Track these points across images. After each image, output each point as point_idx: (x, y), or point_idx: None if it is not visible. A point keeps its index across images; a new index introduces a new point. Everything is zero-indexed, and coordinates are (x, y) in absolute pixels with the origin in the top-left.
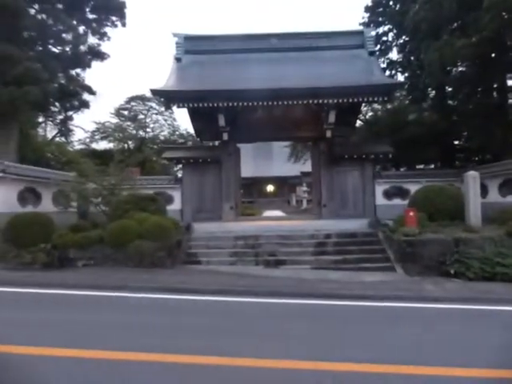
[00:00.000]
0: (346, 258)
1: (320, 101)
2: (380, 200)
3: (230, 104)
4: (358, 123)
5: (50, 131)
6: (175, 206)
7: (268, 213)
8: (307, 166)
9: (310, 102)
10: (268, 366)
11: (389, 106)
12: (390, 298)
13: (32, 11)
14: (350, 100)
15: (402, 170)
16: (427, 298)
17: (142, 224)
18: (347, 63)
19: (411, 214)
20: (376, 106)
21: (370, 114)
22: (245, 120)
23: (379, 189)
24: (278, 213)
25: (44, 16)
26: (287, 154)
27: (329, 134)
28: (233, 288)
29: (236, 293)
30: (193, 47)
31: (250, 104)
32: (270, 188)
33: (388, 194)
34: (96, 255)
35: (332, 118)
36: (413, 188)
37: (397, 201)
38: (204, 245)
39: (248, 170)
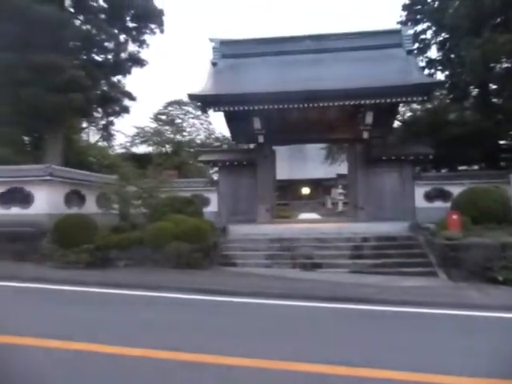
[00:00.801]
0: (384, 262)
1: (356, 102)
2: (420, 202)
3: (266, 107)
4: (396, 124)
5: (93, 136)
6: (211, 208)
7: (303, 215)
8: (343, 168)
9: (347, 103)
10: (306, 370)
11: (428, 106)
12: (432, 304)
13: (77, 22)
14: (388, 100)
15: (443, 171)
16: (471, 305)
17: (179, 226)
18: (384, 63)
19: (454, 216)
20: (415, 105)
21: (409, 114)
22: (280, 122)
23: (419, 191)
24: (313, 215)
25: (88, 26)
26: (323, 155)
27: (366, 135)
28: (269, 290)
29: (272, 295)
30: (229, 51)
31: (286, 106)
32: (305, 190)
33: (429, 197)
34: (136, 256)
35: (369, 119)
36: (455, 190)
37: (438, 203)
38: (239, 247)
39: (283, 172)
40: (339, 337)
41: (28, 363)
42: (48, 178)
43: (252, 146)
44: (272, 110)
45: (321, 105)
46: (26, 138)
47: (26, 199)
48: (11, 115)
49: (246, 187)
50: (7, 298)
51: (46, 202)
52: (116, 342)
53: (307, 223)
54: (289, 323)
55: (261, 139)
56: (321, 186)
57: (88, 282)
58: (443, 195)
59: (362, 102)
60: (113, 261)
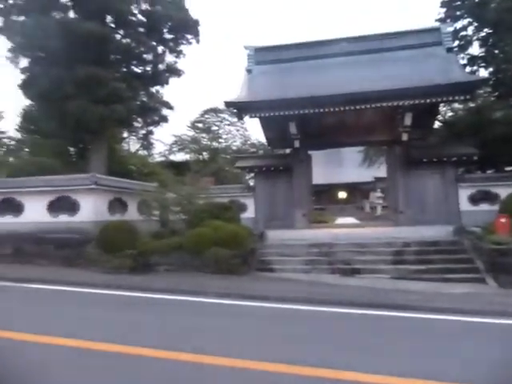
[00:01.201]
0: (428, 267)
1: (395, 103)
2: (464, 205)
3: (301, 111)
4: (437, 124)
5: (133, 145)
6: (248, 214)
7: (341, 220)
8: (381, 171)
9: (384, 104)
10: (350, 379)
11: (471, 105)
12: (482, 313)
13: (117, 36)
14: (428, 101)
15: (488, 172)
16: None
17: (218, 232)
18: (423, 62)
19: (503, 220)
20: (456, 105)
21: (450, 114)
22: (316, 127)
23: (463, 193)
24: (351, 220)
25: (128, 40)
26: (359, 159)
27: (405, 137)
28: (308, 296)
29: (311, 301)
30: (263, 58)
31: (322, 110)
32: (342, 194)
33: (473, 199)
34: (176, 261)
35: (408, 120)
36: (503, 192)
37: (484, 206)
38: (277, 252)
39: (319, 176)
40: (386, 346)
41: (73, 365)
42: (93, 186)
43: (288, 151)
44: (308, 114)
45: (358, 107)
46: (71, 149)
47: (72, 207)
48: (59, 127)
49: (282, 192)
50: (56, 301)
51: (91, 209)
52: (161, 346)
53: (345, 228)
54: (327, 330)
55: (297, 144)
56: (358, 190)
57: (130, 287)
58: (489, 197)
59: (401, 103)
60: (154, 266)
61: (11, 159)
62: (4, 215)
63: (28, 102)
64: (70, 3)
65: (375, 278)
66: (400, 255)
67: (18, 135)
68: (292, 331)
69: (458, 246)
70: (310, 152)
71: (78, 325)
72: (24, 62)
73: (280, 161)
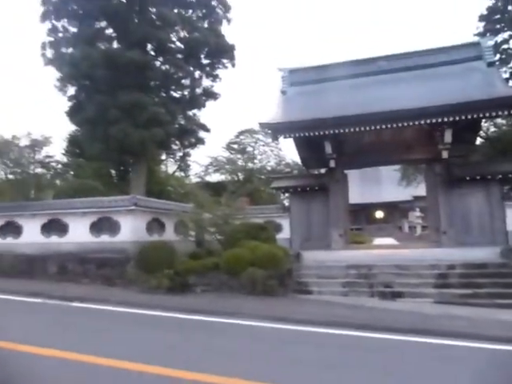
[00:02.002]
0: (475, 292)
1: (433, 120)
2: None
3: (336, 131)
4: (479, 141)
5: (171, 166)
6: (284, 235)
7: (379, 240)
8: (420, 190)
9: (423, 122)
10: None
11: None
12: None
13: (157, 63)
14: (469, 117)
15: None
16: None
17: (254, 252)
18: (463, 78)
19: None
20: (499, 120)
21: (493, 129)
22: (352, 146)
23: (510, 212)
24: (389, 240)
25: (167, 66)
26: (397, 177)
27: (445, 154)
28: (347, 320)
29: (351, 326)
30: (298, 79)
31: (357, 129)
32: (379, 214)
33: None
34: (212, 281)
35: (448, 137)
36: None
37: None
38: (314, 274)
39: (355, 195)
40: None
41: None
42: (133, 207)
43: (323, 170)
44: (343, 133)
45: (394, 125)
46: (113, 171)
47: (113, 228)
48: (102, 151)
49: (318, 212)
50: (98, 320)
51: (130, 229)
52: (196, 369)
53: (384, 249)
54: (368, 357)
55: (332, 164)
56: (396, 209)
57: (167, 307)
58: None
59: (440, 119)
60: (191, 286)
61: (58, 182)
62: (50, 235)
63: (73, 128)
64: (113, 34)
65: (418, 302)
66: (444, 278)
67: (64, 159)
68: (329, 358)
69: (507, 269)
70: (345, 171)
71: (120, 345)
72: (71, 91)
73: (315, 180)
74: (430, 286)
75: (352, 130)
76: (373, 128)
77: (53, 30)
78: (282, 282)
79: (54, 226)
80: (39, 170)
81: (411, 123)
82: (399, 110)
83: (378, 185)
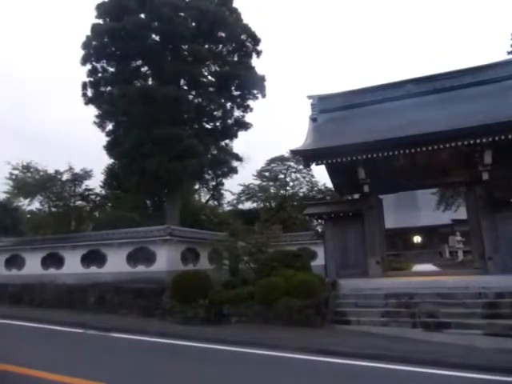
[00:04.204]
0: None
1: (471, 141)
2: None
3: (369, 156)
4: None
5: (204, 196)
6: (318, 262)
7: (418, 267)
8: (460, 213)
9: (459, 143)
10: None
11: None
12: None
13: (190, 97)
14: (509, 136)
15: None
16: None
17: (289, 281)
18: (499, 97)
19: None
20: None
21: None
22: (386, 170)
23: None
24: (429, 266)
25: (199, 99)
26: (434, 201)
27: (485, 176)
28: (389, 353)
29: (393, 359)
30: (327, 106)
31: (391, 154)
32: (417, 239)
33: None
34: (247, 311)
35: (488, 158)
36: None
37: None
38: (352, 303)
39: (390, 220)
40: None
41: None
42: (168, 237)
43: (356, 196)
44: (376, 158)
45: (429, 148)
46: (148, 202)
47: (149, 258)
48: (138, 183)
49: (353, 239)
50: (134, 352)
51: (165, 259)
52: None
53: (425, 276)
54: None
55: (366, 189)
56: (435, 234)
57: (204, 338)
58: None
59: (477, 140)
60: (226, 316)
61: (96, 213)
62: (90, 266)
63: (111, 161)
64: (148, 71)
65: (466, 334)
66: (494, 308)
67: (103, 191)
68: None
69: None
70: (380, 196)
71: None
72: (109, 126)
73: (349, 206)
74: (478, 317)
75: (385, 154)
76: (407, 152)
77: (93, 71)
78: (318, 311)
79: (93, 257)
80: (79, 203)
81: (447, 145)
82: (433, 132)
83: (414, 209)
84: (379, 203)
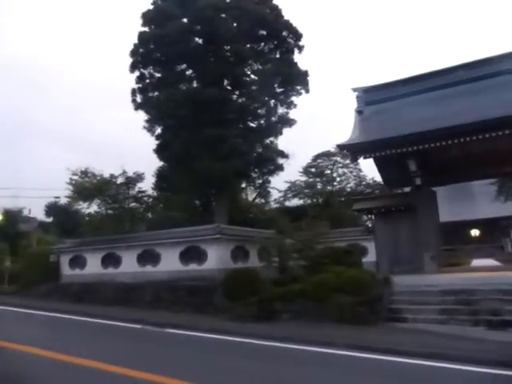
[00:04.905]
0: None
1: None
2: None
3: (420, 147)
4: None
5: (251, 194)
6: (369, 258)
7: (477, 262)
8: None
9: None
10: None
11: None
12: None
13: (233, 97)
14: None
15: None
16: None
17: (341, 277)
18: None
19: None
20: None
21: None
22: (439, 161)
23: None
24: (490, 261)
25: (243, 99)
26: (493, 191)
27: None
28: (449, 352)
29: (454, 358)
30: (373, 98)
31: (443, 143)
32: (475, 232)
33: None
34: (298, 308)
35: None
36: None
37: None
38: (407, 300)
39: (445, 213)
40: None
41: None
42: (218, 236)
43: (407, 189)
44: (427, 149)
45: (487, 136)
46: (197, 202)
47: (200, 256)
48: (187, 184)
49: (405, 233)
50: (187, 346)
51: (216, 258)
52: None
53: (485, 271)
54: None
55: (418, 181)
56: (495, 227)
57: (257, 335)
58: None
59: None
60: (277, 313)
61: (149, 214)
62: (145, 265)
63: (161, 164)
64: (193, 74)
65: None
66: None
67: (154, 193)
68: None
69: None
70: (434, 188)
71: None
72: (158, 130)
73: (400, 200)
74: None
75: (437, 144)
76: (461, 141)
77: (141, 78)
78: (371, 308)
79: (148, 256)
80: (133, 204)
81: (504, 132)
82: (490, 119)
83: (470, 200)
84: (433, 196)
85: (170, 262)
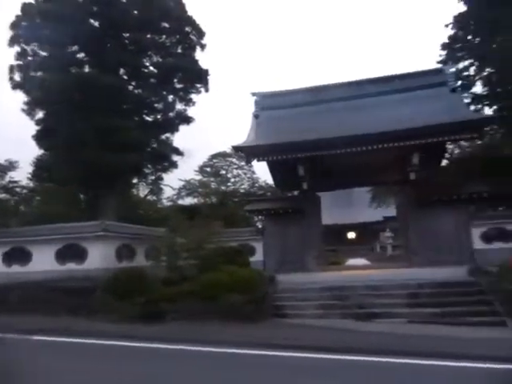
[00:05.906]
0: (444, 310)
1: (402, 143)
2: (478, 244)
3: (308, 154)
4: (445, 163)
5: (143, 191)
6: (257, 257)
7: (352, 261)
8: (390, 211)
9: (391, 145)
10: None
11: (479, 142)
12: (508, 360)
13: (130, 87)
14: (435, 140)
15: (500, 209)
16: None
17: (232, 277)
18: (428, 103)
19: None
20: (463, 143)
21: (457, 151)
22: (324, 169)
23: (476, 232)
24: (362, 261)
25: (140, 90)
26: (368, 198)
27: (413, 176)
28: (325, 344)
29: (330, 349)
30: (270, 103)
31: (328, 153)
32: (352, 235)
33: (487, 237)
34: (187, 308)
35: (416, 159)
36: None
37: (498, 244)
38: (290, 297)
39: (327, 217)
40: None
41: None
42: (101, 233)
43: (296, 193)
44: (315, 157)
45: (364, 149)
46: (82, 196)
47: (80, 255)
48: (71, 175)
49: (293, 235)
50: (61, 353)
51: (98, 256)
52: None
53: (357, 270)
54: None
55: (305, 186)
56: (368, 230)
57: (141, 337)
58: (504, 235)
59: (407, 143)
60: (163, 313)
61: (22, 208)
62: (11, 265)
63: (41, 152)
64: (85, 58)
65: (392, 323)
66: (415, 298)
67: (30, 184)
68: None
69: (474, 287)
70: (318, 193)
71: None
72: (39, 114)
73: (289, 203)
74: (402, 306)
75: (323, 153)
76: (343, 151)
77: (22, 54)
78: (258, 306)
79: (17, 255)
80: (2, 196)
81: (380, 146)
82: (367, 134)
83: (349, 206)
84: (317, 200)
85: (44, 262)
